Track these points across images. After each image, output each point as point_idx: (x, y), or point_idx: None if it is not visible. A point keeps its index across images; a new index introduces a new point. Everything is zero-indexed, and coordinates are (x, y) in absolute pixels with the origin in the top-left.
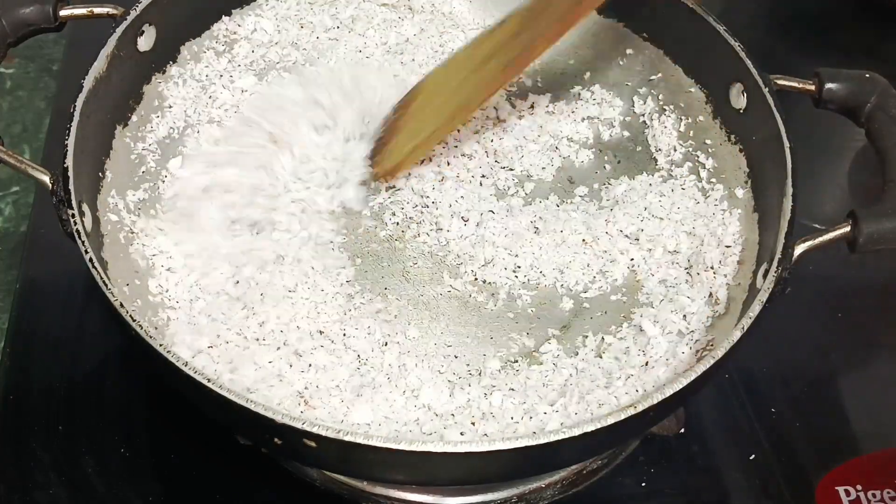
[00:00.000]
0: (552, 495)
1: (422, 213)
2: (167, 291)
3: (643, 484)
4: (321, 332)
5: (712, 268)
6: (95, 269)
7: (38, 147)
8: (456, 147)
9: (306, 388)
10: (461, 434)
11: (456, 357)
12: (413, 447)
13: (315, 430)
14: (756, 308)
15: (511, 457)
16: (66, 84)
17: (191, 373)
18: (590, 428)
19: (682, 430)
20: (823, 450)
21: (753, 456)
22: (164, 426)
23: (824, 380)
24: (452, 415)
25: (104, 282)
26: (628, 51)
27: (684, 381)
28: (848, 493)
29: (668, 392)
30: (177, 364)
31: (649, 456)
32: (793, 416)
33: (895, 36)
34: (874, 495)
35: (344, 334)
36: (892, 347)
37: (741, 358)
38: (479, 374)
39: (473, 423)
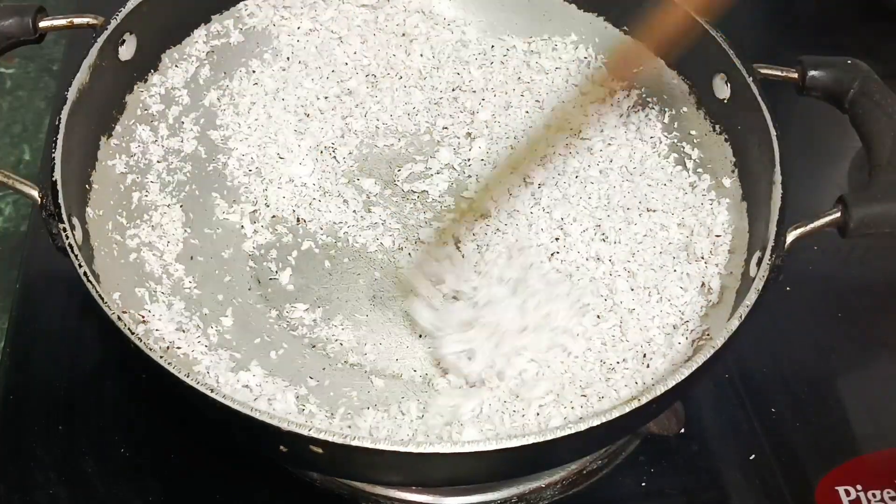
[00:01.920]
0: (552, 495)
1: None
2: (159, 301)
3: (643, 484)
4: (314, 346)
5: (703, 257)
6: (90, 282)
7: (38, 147)
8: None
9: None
10: (461, 433)
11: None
12: (421, 449)
13: (322, 436)
14: (752, 296)
15: (518, 454)
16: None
17: (193, 384)
18: (596, 422)
19: (682, 430)
20: (823, 450)
21: (753, 456)
22: (164, 426)
23: (824, 380)
24: (451, 413)
25: (100, 296)
26: (610, 45)
27: (686, 373)
28: (848, 493)
29: (671, 383)
30: (178, 375)
31: (649, 456)
32: (793, 416)
33: (895, 36)
34: (874, 495)
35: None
36: (892, 347)
37: (741, 358)
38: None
39: (473, 420)
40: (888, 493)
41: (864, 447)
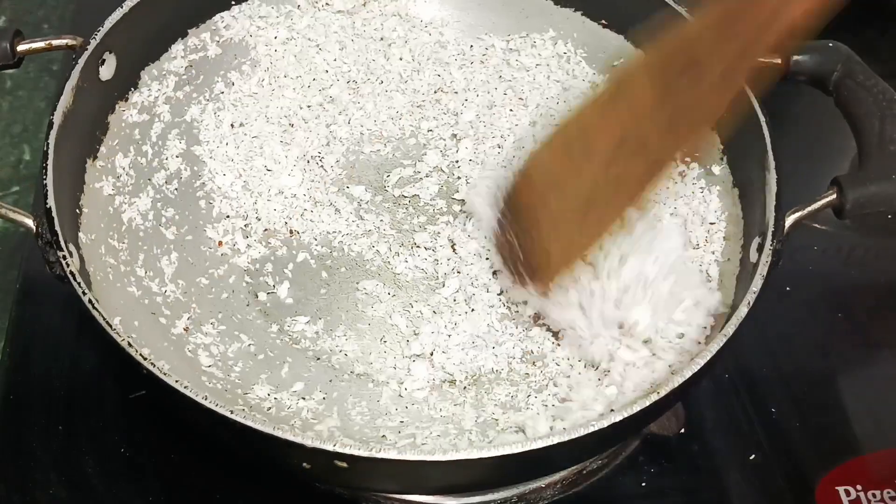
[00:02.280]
0: (552, 495)
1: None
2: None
3: (643, 484)
4: (319, 358)
5: (699, 246)
6: (96, 310)
7: (38, 147)
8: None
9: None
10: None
11: (456, 360)
12: (448, 457)
13: (347, 450)
14: (758, 282)
15: (533, 456)
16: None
17: (213, 406)
18: (617, 418)
19: (682, 430)
20: (823, 450)
21: (753, 456)
22: (165, 426)
23: (824, 380)
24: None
25: (107, 322)
26: (589, 38)
27: (701, 362)
28: (848, 493)
29: (688, 374)
30: (196, 399)
31: (649, 456)
32: (793, 416)
33: (895, 36)
34: (874, 495)
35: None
36: (892, 347)
37: (741, 358)
38: (478, 376)
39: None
40: (888, 493)
41: (864, 447)
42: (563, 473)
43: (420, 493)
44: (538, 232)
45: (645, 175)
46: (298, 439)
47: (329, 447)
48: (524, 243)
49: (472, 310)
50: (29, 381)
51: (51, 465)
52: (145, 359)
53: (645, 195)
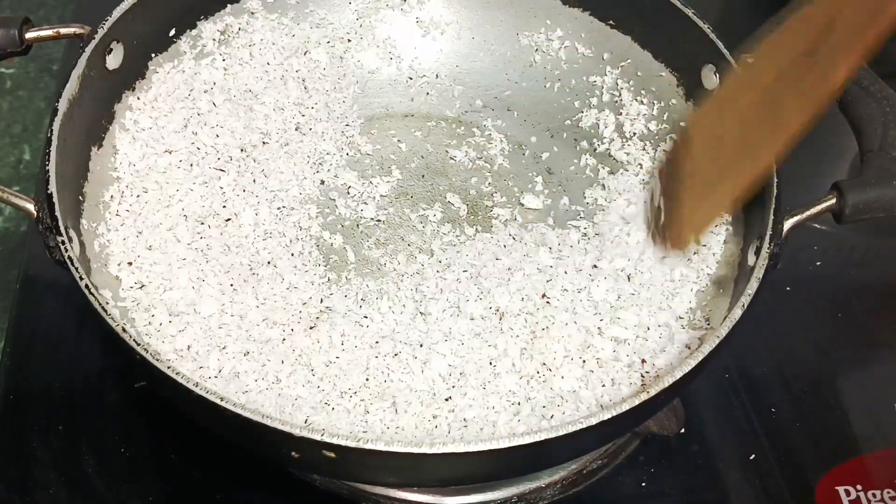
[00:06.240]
0: (552, 495)
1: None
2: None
3: (643, 484)
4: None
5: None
6: (92, 294)
7: (38, 147)
8: None
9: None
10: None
11: (454, 361)
12: (434, 450)
13: (335, 440)
14: (754, 285)
15: (529, 451)
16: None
17: (203, 393)
18: (607, 416)
19: (682, 430)
20: (823, 450)
21: (753, 456)
22: (165, 425)
23: (824, 380)
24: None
25: (103, 308)
26: (596, 39)
27: (692, 363)
28: (848, 493)
29: (679, 374)
30: (187, 385)
31: (649, 456)
32: (793, 416)
33: (895, 36)
34: (874, 495)
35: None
36: (892, 347)
37: (741, 358)
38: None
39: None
40: (888, 493)
41: (864, 447)
42: (562, 473)
43: (410, 486)
44: (683, 195)
45: (772, 140)
46: (287, 428)
47: (317, 437)
48: (669, 207)
49: None
50: (29, 381)
51: (51, 465)
52: (139, 344)
53: (769, 163)
